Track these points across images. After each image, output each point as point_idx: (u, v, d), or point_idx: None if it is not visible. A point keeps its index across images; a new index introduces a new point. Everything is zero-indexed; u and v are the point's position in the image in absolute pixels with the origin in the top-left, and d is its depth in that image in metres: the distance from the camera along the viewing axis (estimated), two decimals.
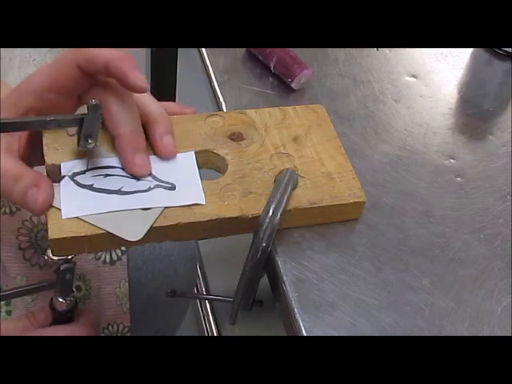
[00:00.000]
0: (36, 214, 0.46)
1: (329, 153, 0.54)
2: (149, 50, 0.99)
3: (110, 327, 0.68)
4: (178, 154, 0.51)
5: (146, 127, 0.49)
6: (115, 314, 0.68)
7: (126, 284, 0.68)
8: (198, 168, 0.51)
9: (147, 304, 0.72)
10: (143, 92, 0.47)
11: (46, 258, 0.47)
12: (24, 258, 0.63)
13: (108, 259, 0.67)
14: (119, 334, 0.69)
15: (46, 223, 0.46)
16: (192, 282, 0.84)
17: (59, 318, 0.51)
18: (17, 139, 0.46)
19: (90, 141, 0.46)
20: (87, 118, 0.45)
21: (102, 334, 0.68)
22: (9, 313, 0.61)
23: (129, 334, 0.69)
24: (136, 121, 0.48)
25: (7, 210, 0.64)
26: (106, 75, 0.46)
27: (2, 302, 0.59)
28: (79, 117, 0.46)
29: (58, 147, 0.49)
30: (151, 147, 0.50)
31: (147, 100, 0.50)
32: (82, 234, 0.45)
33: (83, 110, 0.46)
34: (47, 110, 0.47)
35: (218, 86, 0.64)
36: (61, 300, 0.49)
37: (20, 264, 0.63)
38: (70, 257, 0.47)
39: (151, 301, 0.72)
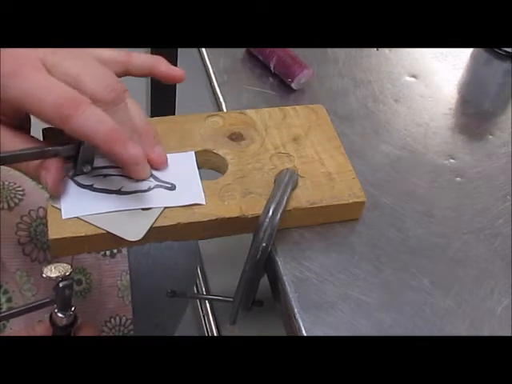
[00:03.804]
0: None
1: (329, 153, 0.54)
2: (149, 50, 0.99)
3: (112, 320, 0.68)
4: (177, 154, 0.51)
5: None
6: (117, 307, 0.68)
7: (128, 276, 0.68)
8: (198, 168, 0.51)
9: (148, 296, 0.72)
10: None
11: (44, 276, 0.47)
12: (23, 254, 0.63)
13: (108, 252, 0.67)
14: (121, 327, 0.68)
15: (46, 223, 0.46)
16: (193, 274, 0.84)
17: (59, 332, 0.51)
18: None
19: (86, 166, 0.47)
20: (84, 146, 0.46)
21: (105, 328, 0.67)
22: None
23: (131, 327, 0.69)
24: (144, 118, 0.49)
25: (5, 206, 0.63)
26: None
27: None
28: (76, 145, 0.46)
29: None
30: None
31: (133, 112, 0.48)
32: (82, 234, 0.45)
33: None
34: None
35: (218, 86, 0.64)
36: (60, 315, 0.50)
37: (19, 259, 0.63)
38: (67, 273, 0.47)
39: (152, 293, 0.72)
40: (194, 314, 1.30)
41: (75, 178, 0.48)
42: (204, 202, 0.48)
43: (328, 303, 0.47)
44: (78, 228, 0.45)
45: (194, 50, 0.70)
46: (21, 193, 0.65)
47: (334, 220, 0.52)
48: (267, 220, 0.46)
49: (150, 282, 0.72)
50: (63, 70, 0.44)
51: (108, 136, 0.43)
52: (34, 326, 0.53)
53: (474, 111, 0.67)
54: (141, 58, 0.50)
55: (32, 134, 0.48)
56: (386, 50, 0.72)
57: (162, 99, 1.07)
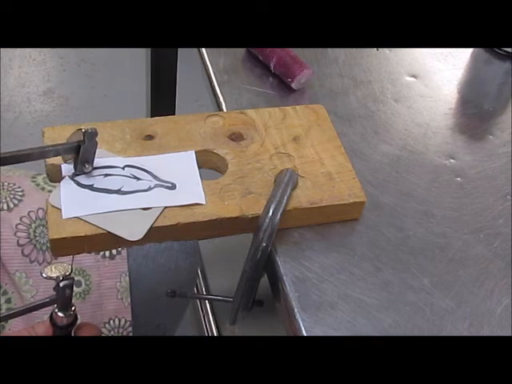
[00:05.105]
0: None
1: (329, 153, 0.54)
2: (149, 49, 0.99)
3: (111, 322, 0.67)
4: (178, 154, 0.51)
5: None
6: (116, 309, 0.68)
7: (127, 278, 0.68)
8: (198, 168, 0.51)
9: (148, 297, 0.72)
10: None
11: (45, 276, 0.47)
12: (23, 255, 0.63)
13: (108, 253, 0.67)
14: (121, 329, 0.68)
15: (46, 223, 0.46)
16: (193, 275, 0.84)
17: (60, 332, 0.51)
18: None
19: (86, 165, 0.47)
20: (84, 146, 0.46)
21: (104, 329, 0.67)
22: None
23: (130, 329, 0.69)
24: None
25: (5, 207, 0.63)
26: None
27: None
28: (76, 144, 0.46)
29: None
30: None
31: None
32: (82, 234, 0.45)
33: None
34: None
35: (218, 86, 0.64)
36: (61, 315, 0.50)
37: (19, 260, 0.63)
38: (67, 273, 0.47)
39: (152, 294, 0.72)
40: (194, 314, 1.29)
41: (75, 178, 0.48)
42: (204, 202, 0.48)
43: (328, 303, 0.47)
44: (78, 228, 0.45)
45: (194, 50, 0.70)
46: (20, 194, 0.65)
47: (334, 220, 0.52)
48: (267, 220, 0.46)
49: (150, 283, 0.72)
50: None
51: None
52: (34, 326, 0.53)
53: (474, 111, 0.67)
54: None
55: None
56: (386, 50, 0.72)
57: (162, 99, 1.07)
